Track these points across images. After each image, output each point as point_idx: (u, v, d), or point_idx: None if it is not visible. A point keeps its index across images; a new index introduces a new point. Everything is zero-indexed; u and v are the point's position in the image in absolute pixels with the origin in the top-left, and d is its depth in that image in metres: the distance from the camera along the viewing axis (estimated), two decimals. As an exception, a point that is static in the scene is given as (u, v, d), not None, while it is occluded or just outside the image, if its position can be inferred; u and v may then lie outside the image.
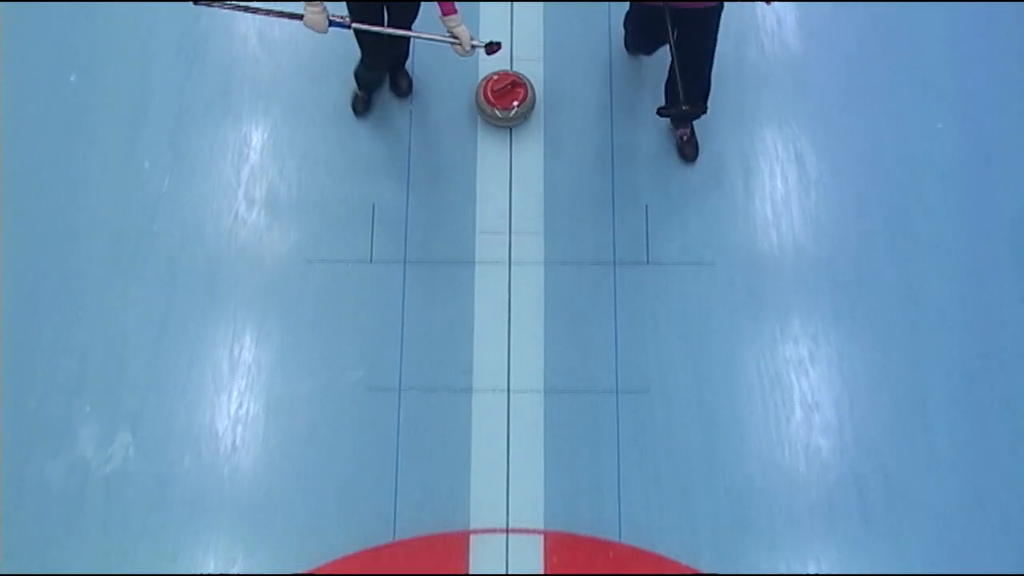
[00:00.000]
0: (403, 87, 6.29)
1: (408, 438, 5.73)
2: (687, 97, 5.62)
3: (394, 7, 5.68)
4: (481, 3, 6.34)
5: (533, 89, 6.26)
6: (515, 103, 6.17)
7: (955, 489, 5.66)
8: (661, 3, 5.42)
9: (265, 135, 6.31)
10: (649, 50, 6.09)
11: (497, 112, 6.16)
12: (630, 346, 5.91)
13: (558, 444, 5.73)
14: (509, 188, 6.23)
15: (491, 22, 6.42)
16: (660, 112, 5.75)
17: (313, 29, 5.40)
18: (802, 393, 5.81)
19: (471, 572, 5.52)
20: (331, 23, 5.41)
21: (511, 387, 5.83)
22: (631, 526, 5.57)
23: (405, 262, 5.99)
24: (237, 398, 5.79)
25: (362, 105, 6.26)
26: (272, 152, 6.26)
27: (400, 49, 6.13)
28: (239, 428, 5.75)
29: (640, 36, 6.02)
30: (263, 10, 5.47)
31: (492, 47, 5.56)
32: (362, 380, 5.84)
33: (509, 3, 6.53)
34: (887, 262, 6.05)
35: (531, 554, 5.53)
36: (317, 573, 5.48)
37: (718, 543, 5.55)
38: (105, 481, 5.63)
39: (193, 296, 5.99)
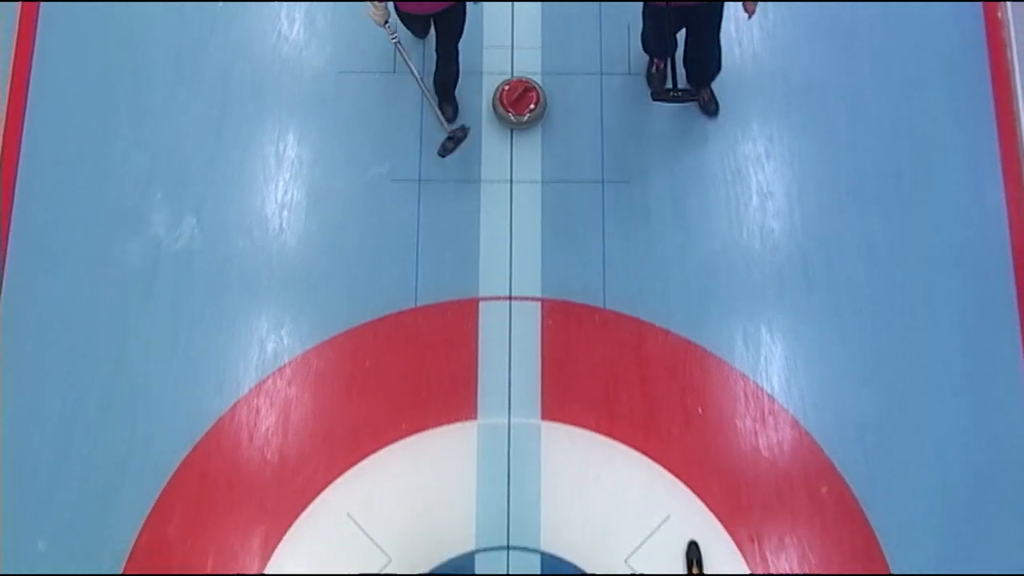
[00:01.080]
0: (448, 114, 6.33)
1: (426, 221, 6.23)
2: (687, 80, 6.07)
3: (440, 23, 5.98)
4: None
5: (543, 91, 6.42)
6: (531, 106, 6.37)
7: (886, 267, 6.15)
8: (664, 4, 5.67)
9: (303, -35, 6.64)
10: (669, 51, 6.11)
11: (512, 116, 6.34)
12: (614, 142, 6.36)
13: (553, 226, 6.23)
14: (512, 20, 6.64)
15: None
16: (655, 97, 6.09)
17: (372, 21, 5.74)
18: (759, 183, 6.29)
19: (480, 336, 5.99)
20: (386, 24, 5.74)
21: (513, 178, 6.30)
22: (614, 295, 6.10)
23: (423, 73, 6.34)
24: (283, 187, 6.29)
25: (445, 149, 6.22)
26: (310, -22, 6.60)
27: (451, 75, 6.27)
28: (285, 213, 6.25)
29: (656, 37, 6.09)
30: None
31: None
32: (387, 173, 6.32)
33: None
34: (833, 72, 6.47)
35: (530, 317, 6.06)
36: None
37: (687, 309, 6.08)
38: (175, 258, 6.18)
39: (244, 101, 6.44)
